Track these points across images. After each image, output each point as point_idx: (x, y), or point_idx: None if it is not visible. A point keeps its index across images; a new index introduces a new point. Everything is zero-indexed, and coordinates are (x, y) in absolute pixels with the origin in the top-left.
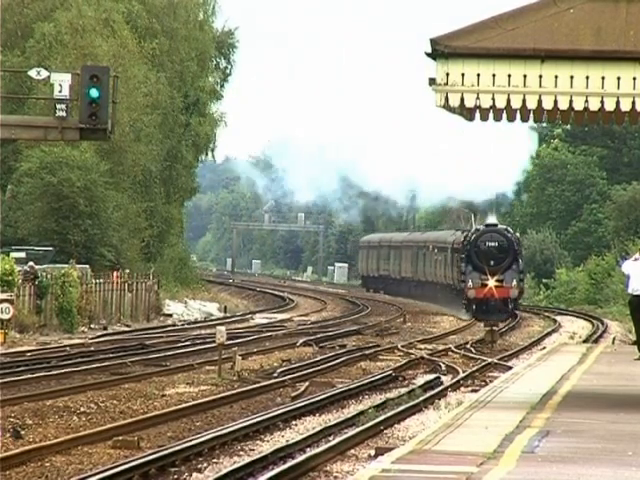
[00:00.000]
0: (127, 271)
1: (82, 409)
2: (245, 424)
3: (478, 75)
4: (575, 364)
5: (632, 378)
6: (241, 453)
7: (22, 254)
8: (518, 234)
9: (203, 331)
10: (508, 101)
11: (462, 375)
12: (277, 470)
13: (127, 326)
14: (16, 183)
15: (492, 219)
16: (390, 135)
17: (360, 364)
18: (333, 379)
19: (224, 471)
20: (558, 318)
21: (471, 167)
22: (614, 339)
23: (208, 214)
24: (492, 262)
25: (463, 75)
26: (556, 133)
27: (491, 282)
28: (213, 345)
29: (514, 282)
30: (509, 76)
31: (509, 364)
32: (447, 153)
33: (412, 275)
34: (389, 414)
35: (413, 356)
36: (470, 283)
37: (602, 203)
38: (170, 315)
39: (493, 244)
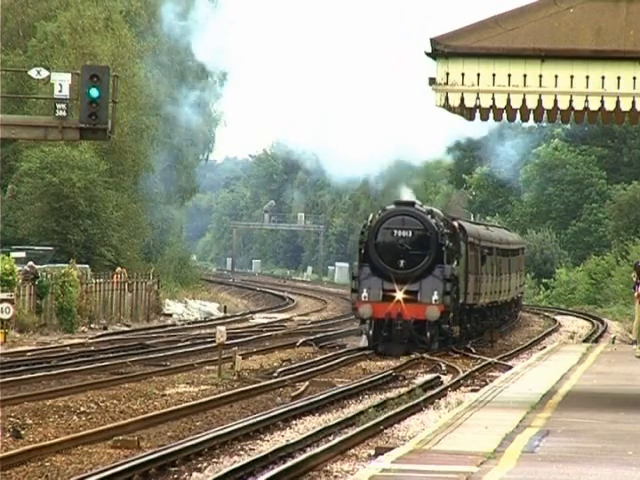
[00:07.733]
0: (124, 270)
1: (82, 409)
2: (245, 424)
3: (478, 75)
4: (575, 364)
5: (632, 378)
6: (241, 453)
7: (22, 254)
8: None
9: (203, 331)
10: (508, 101)
11: (462, 375)
12: (277, 470)
13: (127, 326)
14: (16, 183)
15: (407, 195)
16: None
17: (360, 364)
18: (333, 379)
19: (224, 471)
20: (558, 318)
21: None
22: (614, 339)
23: (208, 214)
24: (401, 262)
25: (463, 75)
26: (556, 133)
27: (399, 294)
28: (213, 345)
29: (435, 296)
30: (509, 76)
31: (509, 364)
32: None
33: None
34: (389, 414)
35: (413, 356)
36: (365, 294)
37: (602, 203)
38: (170, 315)
39: (404, 234)
